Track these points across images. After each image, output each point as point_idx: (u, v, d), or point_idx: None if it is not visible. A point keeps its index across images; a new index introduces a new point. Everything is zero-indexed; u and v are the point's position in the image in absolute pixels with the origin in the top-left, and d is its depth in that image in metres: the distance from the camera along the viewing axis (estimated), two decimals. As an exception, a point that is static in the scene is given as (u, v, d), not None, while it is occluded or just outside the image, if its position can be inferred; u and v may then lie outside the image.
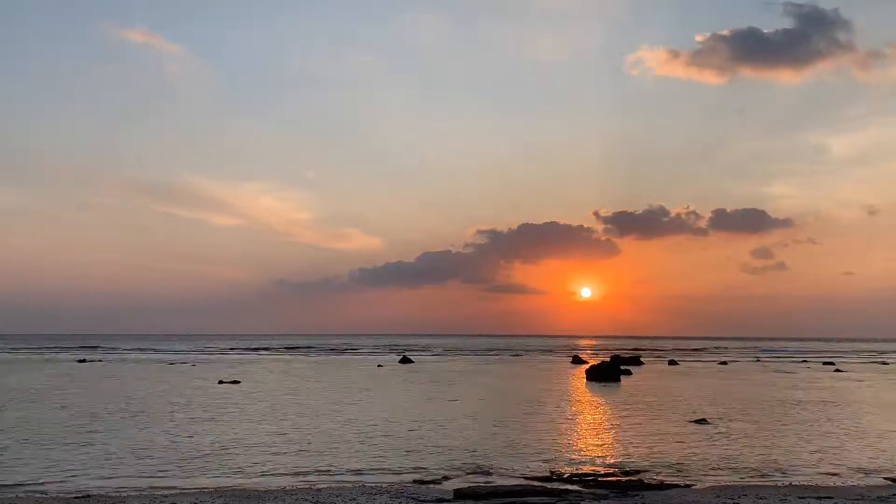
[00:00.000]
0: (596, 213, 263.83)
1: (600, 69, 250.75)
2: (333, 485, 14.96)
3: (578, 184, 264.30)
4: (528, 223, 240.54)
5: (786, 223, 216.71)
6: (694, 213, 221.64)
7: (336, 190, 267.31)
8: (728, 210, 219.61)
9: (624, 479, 15.59)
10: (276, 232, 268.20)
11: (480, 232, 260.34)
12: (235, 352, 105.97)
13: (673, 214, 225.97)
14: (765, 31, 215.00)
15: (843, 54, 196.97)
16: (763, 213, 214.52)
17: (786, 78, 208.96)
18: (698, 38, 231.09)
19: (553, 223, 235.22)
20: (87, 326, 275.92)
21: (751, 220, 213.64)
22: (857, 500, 13.49)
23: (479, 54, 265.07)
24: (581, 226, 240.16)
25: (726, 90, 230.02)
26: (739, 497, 13.62)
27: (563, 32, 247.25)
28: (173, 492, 14.30)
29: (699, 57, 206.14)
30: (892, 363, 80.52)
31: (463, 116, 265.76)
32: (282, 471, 16.51)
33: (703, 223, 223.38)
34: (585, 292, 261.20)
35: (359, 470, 16.63)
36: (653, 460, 17.98)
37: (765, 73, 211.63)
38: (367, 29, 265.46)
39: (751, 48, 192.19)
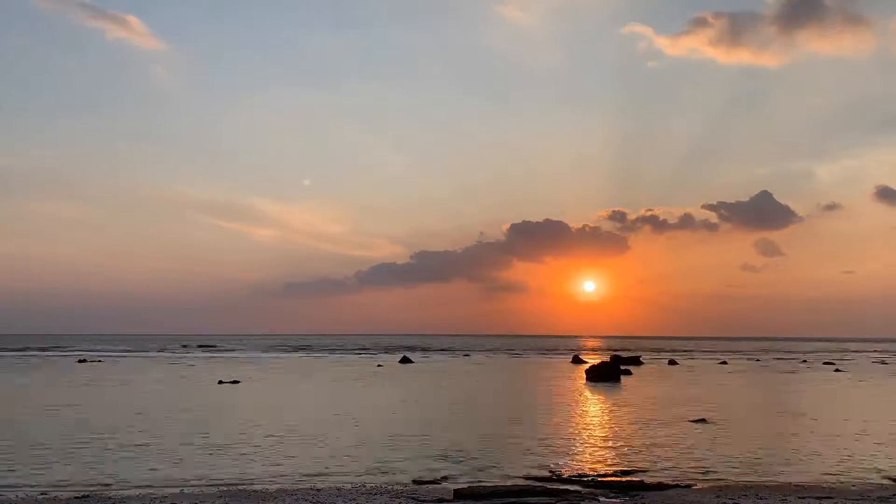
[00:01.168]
0: (597, 212, 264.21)
1: (601, 59, 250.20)
2: (333, 485, 14.95)
3: (580, 181, 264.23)
4: (529, 221, 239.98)
5: (791, 219, 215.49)
6: (696, 210, 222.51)
7: (358, 202, 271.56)
8: (732, 208, 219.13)
9: (624, 479, 15.58)
10: (308, 241, 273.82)
11: (482, 231, 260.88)
12: (241, 352, 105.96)
13: (674, 212, 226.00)
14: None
15: (858, 27, 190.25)
16: (766, 209, 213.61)
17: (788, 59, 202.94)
18: (708, 15, 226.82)
19: (555, 221, 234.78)
20: (126, 327, 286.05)
21: (754, 218, 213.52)
22: (857, 500, 13.49)
23: (479, 54, 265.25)
24: (584, 225, 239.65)
25: (733, 74, 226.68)
26: (739, 497, 13.62)
27: (562, 22, 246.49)
28: (173, 492, 14.29)
29: (706, 38, 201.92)
30: (892, 363, 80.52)
31: (461, 112, 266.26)
32: (281, 471, 16.49)
33: (705, 221, 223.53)
34: (587, 292, 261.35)
35: (359, 470, 16.62)
36: (653, 460, 17.97)
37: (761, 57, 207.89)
38: (351, 23, 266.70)
39: (748, 25, 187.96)
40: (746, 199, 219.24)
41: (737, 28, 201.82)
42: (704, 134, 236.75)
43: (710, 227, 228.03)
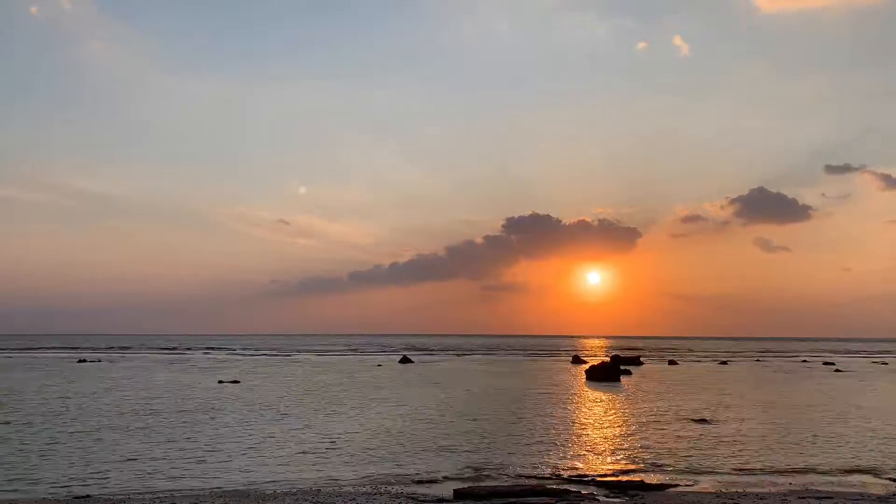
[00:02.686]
0: (597, 209, 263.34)
1: (610, 51, 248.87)
2: (333, 485, 14.95)
3: (584, 178, 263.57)
4: (528, 219, 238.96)
5: (791, 217, 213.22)
6: (696, 208, 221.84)
7: (353, 202, 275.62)
8: (732, 205, 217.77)
9: (624, 479, 15.58)
10: (344, 250, 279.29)
11: (480, 229, 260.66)
12: (244, 351, 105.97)
13: (679, 212, 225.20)
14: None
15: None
16: (765, 207, 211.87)
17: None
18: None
19: (554, 219, 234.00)
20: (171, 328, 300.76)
21: (753, 217, 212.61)
22: (857, 500, 13.49)
23: (488, 52, 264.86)
24: (584, 223, 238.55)
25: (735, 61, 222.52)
26: (739, 497, 13.62)
27: (566, 20, 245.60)
28: (173, 492, 14.30)
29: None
30: (892, 363, 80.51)
31: (454, 110, 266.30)
32: (281, 471, 16.49)
33: (705, 219, 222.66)
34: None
35: (358, 470, 16.62)
36: (653, 460, 17.97)
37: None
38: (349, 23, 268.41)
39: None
40: (746, 195, 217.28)
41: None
42: (704, 128, 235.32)
43: (711, 225, 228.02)
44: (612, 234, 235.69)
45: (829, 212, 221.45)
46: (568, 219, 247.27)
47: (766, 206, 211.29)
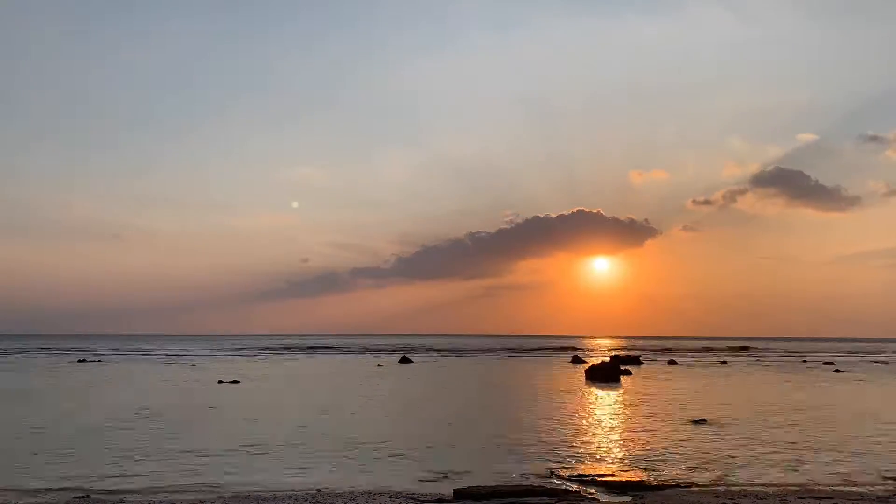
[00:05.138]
0: (596, 207, 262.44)
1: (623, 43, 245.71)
2: (332, 485, 14.94)
3: (586, 175, 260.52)
4: (526, 214, 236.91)
5: (789, 213, 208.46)
6: (694, 205, 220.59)
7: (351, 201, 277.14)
8: (732, 200, 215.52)
9: (624, 479, 15.57)
10: (340, 248, 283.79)
11: (479, 226, 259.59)
12: (242, 352, 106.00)
13: (687, 207, 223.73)
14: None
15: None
16: (768, 202, 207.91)
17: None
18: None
19: (552, 215, 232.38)
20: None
21: (751, 213, 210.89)
22: (856, 500, 13.48)
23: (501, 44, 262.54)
24: (584, 217, 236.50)
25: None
26: (739, 497, 13.61)
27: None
28: (172, 493, 14.28)
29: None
30: (893, 363, 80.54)
31: (465, 99, 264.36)
32: (280, 472, 16.48)
33: (701, 217, 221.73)
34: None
35: (358, 470, 16.60)
36: (653, 460, 17.96)
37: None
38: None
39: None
40: (760, 180, 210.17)
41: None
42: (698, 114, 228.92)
43: (707, 223, 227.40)
44: (613, 230, 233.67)
45: (831, 208, 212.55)
46: (563, 213, 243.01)
47: (779, 194, 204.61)
